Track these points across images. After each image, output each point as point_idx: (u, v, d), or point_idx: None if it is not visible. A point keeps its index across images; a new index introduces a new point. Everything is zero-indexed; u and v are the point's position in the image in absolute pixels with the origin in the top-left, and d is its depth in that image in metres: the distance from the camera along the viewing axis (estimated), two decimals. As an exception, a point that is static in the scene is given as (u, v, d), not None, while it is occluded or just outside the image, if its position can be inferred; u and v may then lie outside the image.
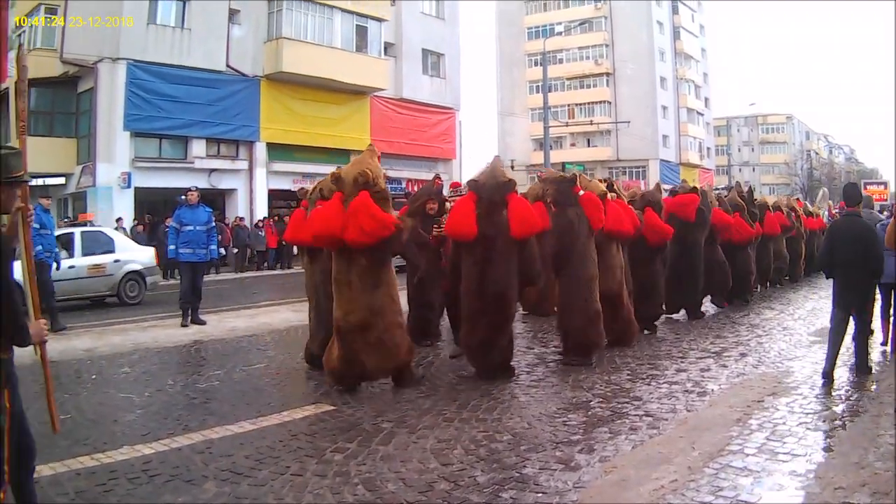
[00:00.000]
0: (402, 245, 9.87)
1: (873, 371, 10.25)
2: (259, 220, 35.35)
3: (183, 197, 16.13)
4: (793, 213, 23.14)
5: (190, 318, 15.36)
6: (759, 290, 20.67)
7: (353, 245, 9.11)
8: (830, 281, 10.22)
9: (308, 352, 11.20)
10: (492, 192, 10.12)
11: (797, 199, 29.10)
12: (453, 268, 10.58)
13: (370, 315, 9.21)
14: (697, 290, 15.63)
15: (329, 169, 36.73)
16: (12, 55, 6.11)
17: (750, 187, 20.93)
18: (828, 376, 9.70)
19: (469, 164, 48.07)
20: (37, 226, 13.05)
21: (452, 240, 10.66)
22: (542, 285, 12.16)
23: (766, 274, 21.02)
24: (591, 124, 75.56)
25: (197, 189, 16.48)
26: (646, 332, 13.59)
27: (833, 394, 9.04)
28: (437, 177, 14.47)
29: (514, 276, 10.07)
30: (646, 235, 13.39)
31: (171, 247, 15.76)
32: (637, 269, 13.33)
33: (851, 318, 10.00)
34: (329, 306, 9.94)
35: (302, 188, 12.71)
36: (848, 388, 9.47)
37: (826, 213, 29.55)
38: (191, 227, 15.53)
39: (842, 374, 10.11)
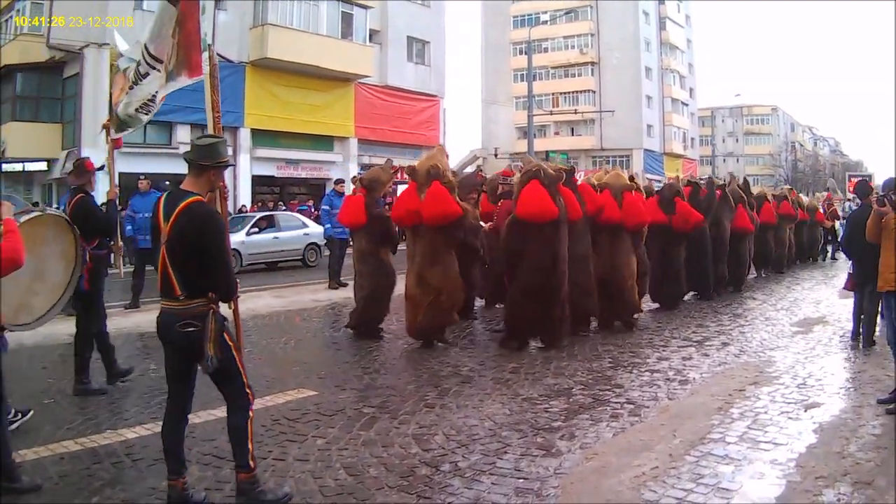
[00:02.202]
0: (465, 227, 11.61)
1: (876, 344, 11.00)
2: (242, 206, 35.24)
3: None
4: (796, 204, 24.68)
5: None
6: (762, 274, 22.15)
7: (429, 224, 11.09)
8: (819, 271, 10.43)
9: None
10: (551, 180, 11.18)
11: (790, 188, 29.63)
12: (510, 251, 11.50)
13: (433, 286, 11.10)
14: (708, 274, 16.65)
15: (312, 155, 36.84)
16: (205, 55, 6.83)
17: (745, 179, 21.89)
18: (856, 338, 11.51)
19: (453, 152, 48.08)
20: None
21: (525, 221, 11.12)
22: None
23: (766, 260, 22.17)
24: (576, 113, 75.74)
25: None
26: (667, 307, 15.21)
27: (815, 384, 9.07)
28: (480, 170, 15.67)
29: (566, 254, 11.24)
30: (676, 223, 14.76)
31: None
32: (665, 252, 14.67)
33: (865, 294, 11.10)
34: (360, 282, 12.52)
35: (355, 176, 14.46)
36: (830, 377, 9.51)
37: (821, 205, 29.95)
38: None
39: (823, 364, 10.19)
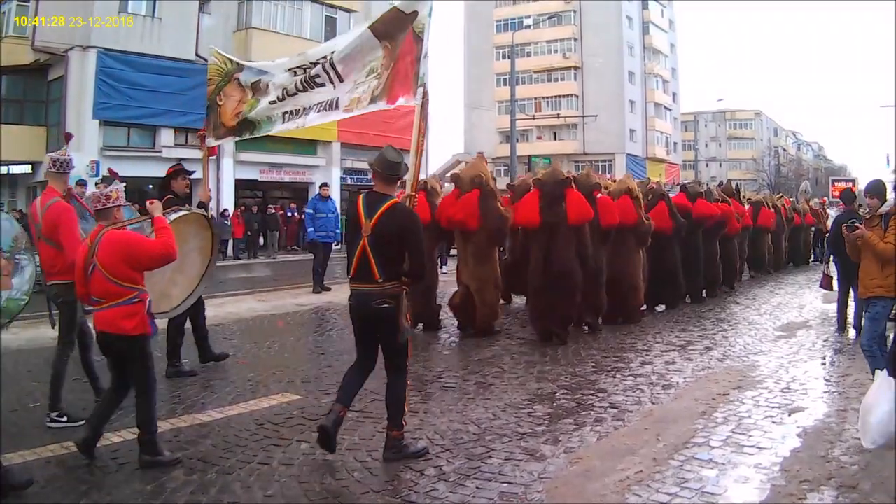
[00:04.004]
0: (507, 232, 13.13)
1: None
2: (224, 209, 35.09)
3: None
4: (782, 210, 25.40)
5: None
6: (752, 275, 23.11)
7: (468, 229, 12.32)
8: (801, 276, 10.57)
9: None
10: (553, 187, 12.14)
11: (780, 196, 29.79)
12: (521, 252, 13.00)
13: (480, 282, 12.42)
14: (700, 277, 17.11)
15: (295, 159, 36.58)
16: (421, 90, 7.62)
17: (736, 185, 23.02)
18: (841, 327, 13.11)
19: (435, 157, 48.07)
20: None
21: (520, 228, 13.12)
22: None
23: (761, 262, 23.22)
24: (558, 118, 75.71)
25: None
26: (656, 308, 15.91)
27: (799, 388, 9.11)
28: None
29: (574, 255, 12.09)
30: (661, 225, 15.10)
31: None
32: (660, 255, 15.25)
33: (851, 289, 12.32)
34: None
35: (424, 181, 14.92)
36: (813, 382, 9.55)
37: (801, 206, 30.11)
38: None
39: (807, 368, 10.24)
